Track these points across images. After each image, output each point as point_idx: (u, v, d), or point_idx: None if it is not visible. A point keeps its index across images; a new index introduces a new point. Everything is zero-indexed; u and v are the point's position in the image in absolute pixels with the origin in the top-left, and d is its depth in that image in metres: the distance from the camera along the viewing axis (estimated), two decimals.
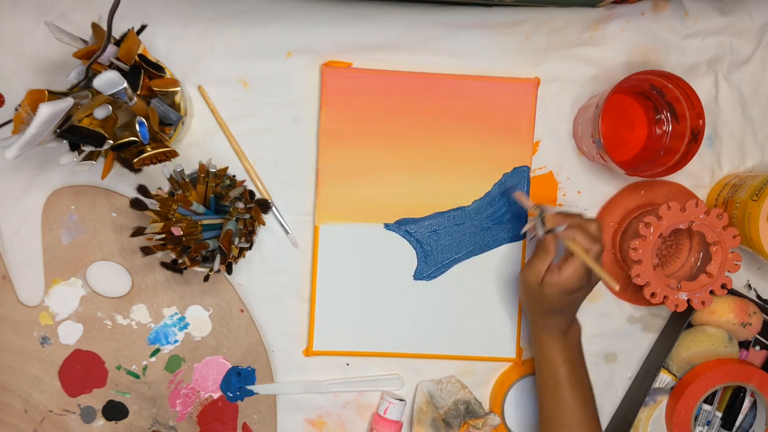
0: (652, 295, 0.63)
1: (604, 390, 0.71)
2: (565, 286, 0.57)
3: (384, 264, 0.68)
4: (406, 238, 0.68)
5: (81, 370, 0.68)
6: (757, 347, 0.70)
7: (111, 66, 0.55)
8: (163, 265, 0.62)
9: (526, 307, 0.63)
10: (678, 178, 0.69)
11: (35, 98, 0.53)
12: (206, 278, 0.62)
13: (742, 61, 0.69)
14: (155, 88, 0.57)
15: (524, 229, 0.65)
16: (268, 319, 0.68)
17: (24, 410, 0.68)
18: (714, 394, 0.70)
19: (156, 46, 0.65)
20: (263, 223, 0.63)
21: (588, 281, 0.58)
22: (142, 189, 0.58)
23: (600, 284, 0.70)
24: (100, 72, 0.51)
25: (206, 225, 0.60)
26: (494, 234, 0.68)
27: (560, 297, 0.58)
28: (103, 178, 0.59)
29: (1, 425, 0.68)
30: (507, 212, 0.68)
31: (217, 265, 0.58)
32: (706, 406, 0.70)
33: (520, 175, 0.68)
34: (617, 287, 0.54)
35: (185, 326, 0.68)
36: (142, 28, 0.58)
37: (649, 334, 0.71)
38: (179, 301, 0.68)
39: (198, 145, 0.66)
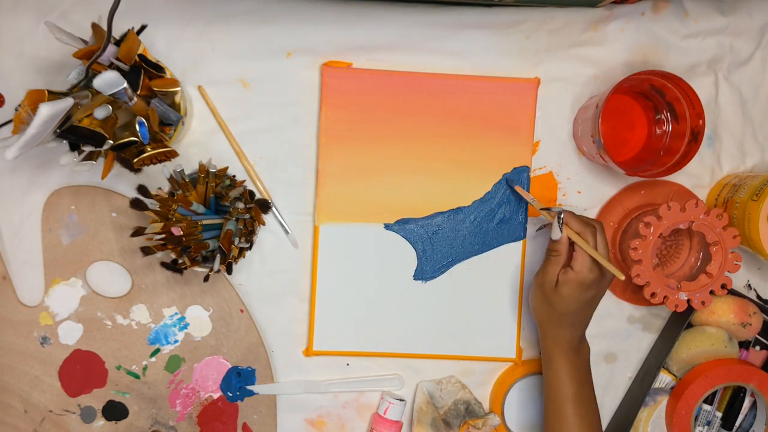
0: (652, 295, 0.63)
1: (604, 390, 0.71)
2: (579, 279, 0.58)
3: (384, 264, 0.68)
4: (406, 238, 0.68)
5: (81, 370, 0.68)
6: (757, 347, 0.70)
7: (111, 66, 0.55)
8: (163, 265, 0.62)
9: (540, 317, 0.63)
10: (678, 178, 0.69)
11: (35, 98, 0.53)
12: (206, 278, 0.62)
13: (742, 61, 0.69)
14: (155, 88, 0.57)
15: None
16: (268, 319, 0.68)
17: (24, 410, 0.68)
18: (714, 394, 0.70)
19: (156, 46, 0.65)
20: (263, 223, 0.63)
21: (600, 275, 0.59)
22: (142, 189, 0.58)
23: None
24: (100, 72, 0.51)
25: (206, 225, 0.60)
26: (494, 234, 0.68)
27: (577, 294, 0.59)
28: (103, 178, 0.59)
29: (1, 425, 0.68)
30: (507, 212, 0.68)
31: (217, 265, 0.58)
32: (706, 406, 0.70)
33: (520, 175, 0.68)
34: (623, 277, 0.56)
35: (185, 326, 0.68)
36: (142, 28, 0.58)
37: (649, 334, 0.71)
38: (179, 301, 0.68)
39: (198, 145, 0.66)
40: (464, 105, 0.67)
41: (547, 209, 0.62)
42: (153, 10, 0.64)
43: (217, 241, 0.60)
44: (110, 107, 0.54)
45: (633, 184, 0.69)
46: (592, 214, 0.70)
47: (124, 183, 0.66)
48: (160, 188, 0.58)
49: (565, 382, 0.61)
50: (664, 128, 0.67)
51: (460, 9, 0.66)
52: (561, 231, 0.60)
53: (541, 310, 0.62)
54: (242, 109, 0.66)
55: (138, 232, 0.58)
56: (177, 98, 0.60)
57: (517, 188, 0.66)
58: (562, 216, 0.60)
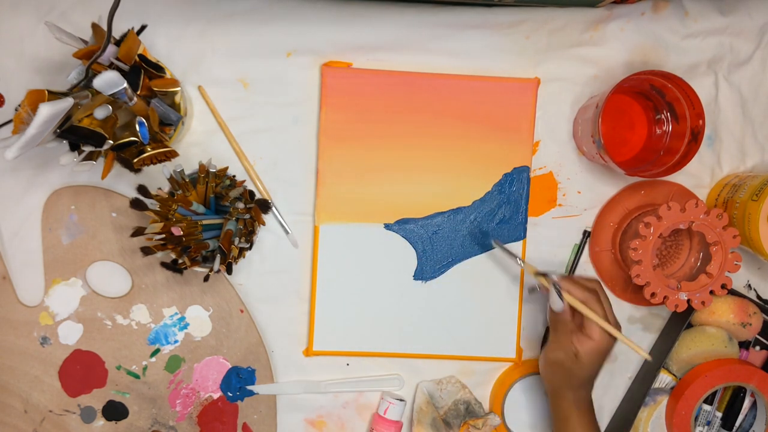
0: (652, 295, 0.63)
1: (604, 390, 0.71)
2: (600, 348, 0.58)
3: (384, 264, 0.68)
4: (406, 238, 0.68)
5: (81, 370, 0.68)
6: (757, 347, 0.70)
7: (111, 66, 0.55)
8: (163, 265, 0.62)
9: (557, 386, 0.61)
10: (678, 178, 0.69)
11: (35, 98, 0.53)
12: (206, 278, 0.62)
13: (742, 61, 0.69)
14: (155, 88, 0.57)
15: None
16: (268, 319, 0.68)
17: (24, 410, 0.68)
18: (714, 394, 0.70)
19: (156, 46, 0.65)
20: (263, 223, 0.63)
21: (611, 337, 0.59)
22: (142, 189, 0.58)
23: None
24: (100, 72, 0.51)
25: (206, 225, 0.60)
26: (494, 234, 0.68)
27: (599, 360, 0.59)
28: (103, 178, 0.59)
29: (1, 425, 0.68)
30: (507, 212, 0.68)
31: (217, 265, 0.58)
32: (706, 406, 0.70)
33: (520, 175, 0.68)
34: (648, 357, 0.58)
35: (185, 326, 0.68)
36: (142, 28, 0.58)
37: (649, 334, 0.71)
38: (179, 301, 0.68)
39: (198, 145, 0.66)
40: (464, 105, 0.67)
41: (542, 274, 0.60)
42: (153, 10, 0.64)
43: (217, 241, 0.60)
44: (110, 107, 0.54)
45: (633, 184, 0.69)
46: (592, 214, 0.70)
47: (124, 183, 0.66)
48: (160, 188, 0.58)
49: None
50: (664, 128, 0.67)
51: (460, 9, 0.66)
52: (562, 301, 0.58)
53: (558, 378, 0.61)
54: (242, 109, 0.66)
55: (138, 232, 0.58)
56: (177, 98, 0.60)
57: (495, 242, 0.65)
58: (559, 286, 0.58)
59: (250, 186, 0.67)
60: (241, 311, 0.68)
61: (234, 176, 0.64)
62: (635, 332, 0.71)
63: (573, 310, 0.59)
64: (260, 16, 0.65)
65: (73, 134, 0.54)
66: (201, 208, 0.61)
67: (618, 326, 0.59)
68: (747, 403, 0.70)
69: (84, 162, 0.56)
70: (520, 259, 0.64)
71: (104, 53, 0.53)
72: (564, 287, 0.59)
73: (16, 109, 0.55)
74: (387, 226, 0.68)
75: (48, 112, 0.49)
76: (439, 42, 0.67)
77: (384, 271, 0.68)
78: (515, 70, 0.68)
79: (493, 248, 0.68)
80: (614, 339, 0.58)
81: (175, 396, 0.68)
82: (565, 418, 0.61)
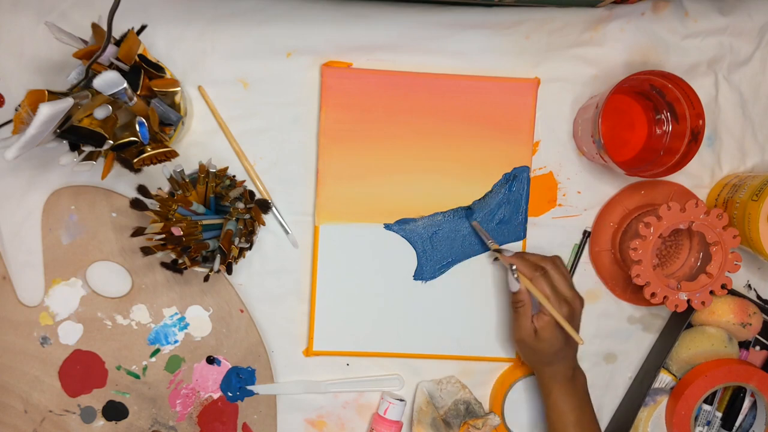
0: (652, 295, 0.63)
1: (604, 390, 0.71)
2: (554, 322, 0.60)
3: (384, 264, 0.68)
4: (406, 238, 0.68)
5: (81, 370, 0.68)
6: (757, 347, 0.70)
7: (111, 66, 0.55)
8: (163, 265, 0.62)
9: (531, 362, 0.65)
10: (678, 178, 0.69)
11: (35, 98, 0.53)
12: (206, 278, 0.62)
13: (742, 61, 0.69)
14: (155, 88, 0.57)
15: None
16: (268, 319, 0.68)
17: (24, 410, 0.68)
18: (714, 394, 0.70)
19: (156, 46, 0.65)
20: (263, 223, 0.63)
21: (570, 308, 0.60)
22: (142, 189, 0.58)
23: (601, 285, 0.70)
24: (100, 72, 0.51)
25: (206, 225, 0.60)
26: (494, 234, 0.68)
27: (557, 333, 0.60)
28: (103, 178, 0.59)
29: (1, 425, 0.68)
30: (507, 212, 0.68)
31: (217, 265, 0.58)
32: (706, 406, 0.70)
33: (520, 175, 0.68)
34: (581, 341, 0.58)
35: (185, 326, 0.68)
36: (142, 28, 0.58)
37: (649, 334, 0.71)
38: (179, 301, 0.68)
39: (198, 145, 0.66)
40: (464, 105, 0.67)
41: (500, 251, 0.64)
42: (153, 10, 0.64)
43: (217, 241, 0.60)
44: (110, 107, 0.54)
45: (633, 184, 0.69)
46: (592, 214, 0.70)
47: (124, 183, 0.66)
48: (160, 188, 0.58)
49: (566, 412, 0.62)
50: (664, 128, 0.67)
51: (460, 9, 0.66)
52: (518, 282, 0.61)
53: (530, 356, 0.64)
54: (242, 109, 0.66)
55: (138, 232, 0.58)
56: (177, 98, 0.60)
57: (474, 224, 0.67)
58: (515, 268, 0.61)
59: (250, 186, 0.67)
60: (241, 311, 0.68)
61: (234, 176, 0.64)
62: (635, 332, 0.71)
63: (529, 295, 0.61)
64: (260, 16, 0.65)
65: (73, 134, 0.54)
66: (201, 208, 0.61)
67: (579, 299, 0.61)
68: (747, 403, 0.70)
69: (84, 162, 0.56)
70: (489, 237, 0.66)
71: (104, 53, 0.53)
72: (518, 268, 0.61)
73: (16, 109, 0.55)
74: (387, 226, 0.68)
75: (48, 112, 0.49)
76: (439, 42, 0.67)
77: (384, 271, 0.68)
78: (515, 70, 0.68)
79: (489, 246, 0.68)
80: (567, 311, 0.60)
81: (175, 396, 0.68)
82: (548, 393, 0.63)
